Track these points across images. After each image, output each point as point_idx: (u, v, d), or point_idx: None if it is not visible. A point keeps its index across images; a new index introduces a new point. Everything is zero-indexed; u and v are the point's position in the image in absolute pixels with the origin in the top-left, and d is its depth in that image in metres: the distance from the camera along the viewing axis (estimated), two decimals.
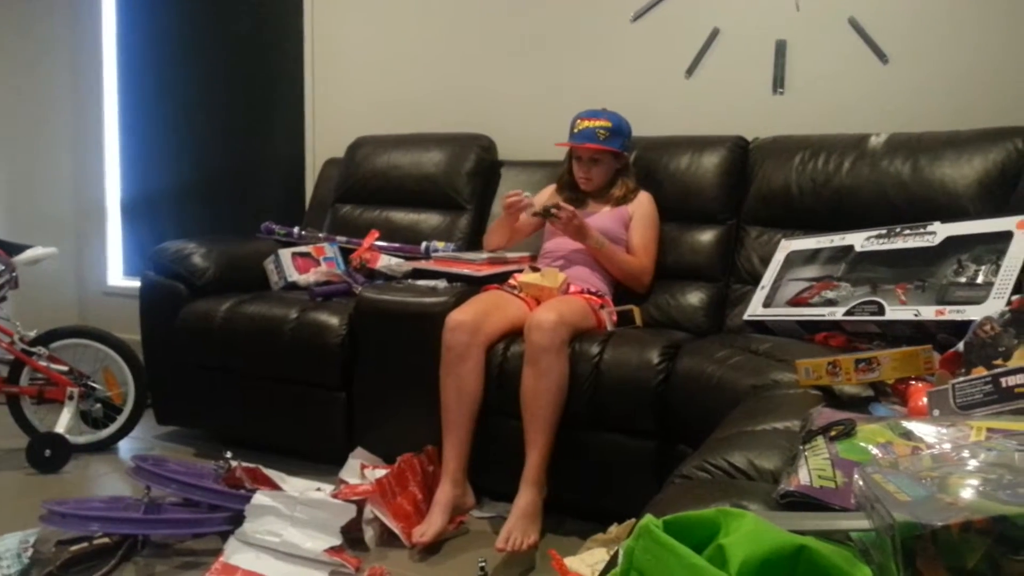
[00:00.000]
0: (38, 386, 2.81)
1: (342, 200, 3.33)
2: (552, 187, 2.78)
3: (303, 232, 3.19)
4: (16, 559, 1.97)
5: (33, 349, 2.78)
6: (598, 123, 2.55)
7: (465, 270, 2.68)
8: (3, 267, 2.65)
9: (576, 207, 2.65)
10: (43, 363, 2.78)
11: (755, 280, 2.45)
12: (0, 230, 3.61)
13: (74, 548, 2.01)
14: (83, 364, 2.89)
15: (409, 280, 2.72)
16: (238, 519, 2.08)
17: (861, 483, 0.76)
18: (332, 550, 2.02)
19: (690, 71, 2.98)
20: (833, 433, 0.99)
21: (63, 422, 2.74)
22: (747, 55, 2.88)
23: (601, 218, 2.59)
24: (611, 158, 2.60)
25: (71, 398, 2.78)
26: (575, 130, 2.59)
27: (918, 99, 2.67)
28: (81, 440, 2.85)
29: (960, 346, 1.36)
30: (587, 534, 2.06)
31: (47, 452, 2.67)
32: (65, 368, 2.82)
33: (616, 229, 2.58)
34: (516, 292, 2.46)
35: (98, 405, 2.90)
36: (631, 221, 2.60)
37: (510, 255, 2.74)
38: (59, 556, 2.00)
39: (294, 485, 2.27)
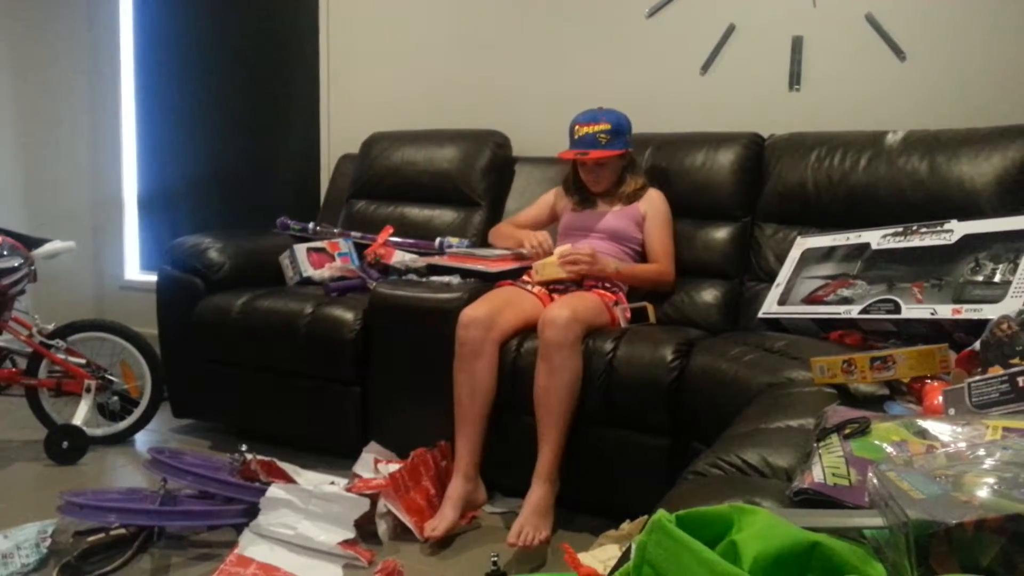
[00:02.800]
0: (56, 379, 2.84)
1: (357, 196, 3.35)
2: (557, 189, 2.78)
3: (318, 227, 3.20)
4: (34, 549, 2.00)
5: (51, 342, 2.81)
6: (598, 127, 2.52)
7: (479, 266, 2.68)
8: (22, 260, 2.68)
9: (586, 208, 2.66)
10: (61, 356, 2.80)
11: (770, 278, 2.44)
12: (18, 224, 3.64)
13: (91, 539, 2.04)
14: (100, 357, 2.92)
15: (420, 275, 2.73)
16: (253, 512, 2.10)
17: (875, 481, 0.76)
18: (345, 543, 2.03)
19: (705, 67, 2.96)
20: (847, 431, 0.99)
21: (80, 414, 2.77)
22: (763, 51, 2.87)
23: (612, 218, 2.59)
24: (616, 159, 2.59)
25: (88, 391, 2.81)
26: (575, 136, 2.57)
27: (935, 96, 2.65)
28: (98, 432, 2.88)
29: (977, 345, 1.36)
30: (599, 530, 2.06)
31: (65, 444, 2.70)
32: (83, 361, 2.84)
33: (628, 228, 2.58)
34: (530, 288, 2.47)
35: (115, 398, 2.93)
36: (644, 222, 2.59)
37: (525, 251, 2.73)
38: (76, 546, 2.03)
39: (308, 478, 2.29)
